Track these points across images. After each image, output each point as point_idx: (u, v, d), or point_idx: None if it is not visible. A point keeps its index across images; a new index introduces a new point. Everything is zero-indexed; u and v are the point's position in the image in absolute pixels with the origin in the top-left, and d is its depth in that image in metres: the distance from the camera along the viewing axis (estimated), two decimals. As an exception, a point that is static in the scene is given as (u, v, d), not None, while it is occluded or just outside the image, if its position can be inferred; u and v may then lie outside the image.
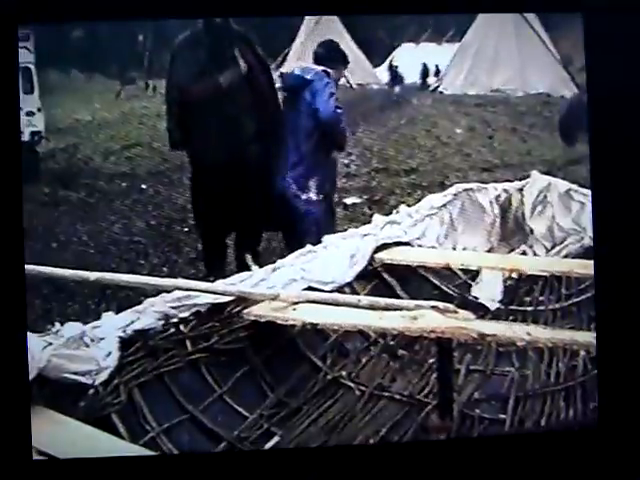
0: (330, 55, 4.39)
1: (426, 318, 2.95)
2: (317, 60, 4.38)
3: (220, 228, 4.32)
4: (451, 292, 3.93)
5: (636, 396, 2.60)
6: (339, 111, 4.25)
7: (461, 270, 3.93)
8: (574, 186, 4.24)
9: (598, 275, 2.72)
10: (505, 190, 4.43)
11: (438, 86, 6.85)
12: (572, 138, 3.66)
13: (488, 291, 3.86)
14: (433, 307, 3.04)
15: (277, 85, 4.37)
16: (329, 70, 4.28)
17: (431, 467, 2.64)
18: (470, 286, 3.93)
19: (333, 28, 6.03)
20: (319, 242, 3.80)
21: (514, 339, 2.85)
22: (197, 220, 4.40)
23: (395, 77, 6.87)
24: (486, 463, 2.63)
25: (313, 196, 4.30)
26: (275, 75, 4.45)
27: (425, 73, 6.92)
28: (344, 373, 3.29)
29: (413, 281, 3.89)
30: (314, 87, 4.24)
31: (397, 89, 6.84)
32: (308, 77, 4.25)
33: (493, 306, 3.79)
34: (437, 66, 6.97)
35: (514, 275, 3.89)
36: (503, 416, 3.02)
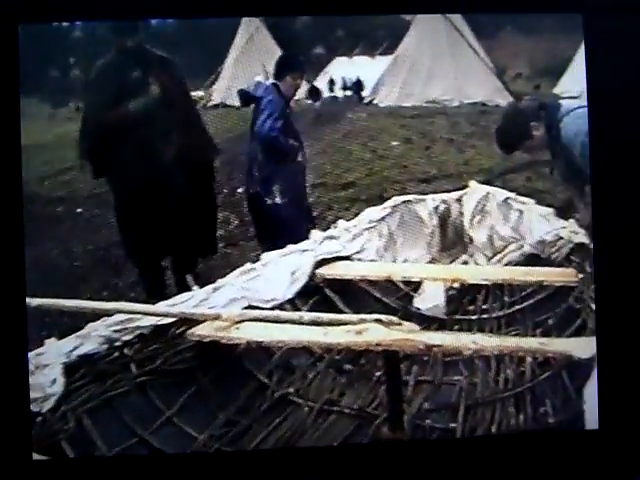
0: (285, 64, 4.45)
1: (371, 332, 2.94)
2: (276, 70, 4.44)
3: (152, 253, 4.24)
4: (394, 305, 3.90)
5: (636, 396, 2.62)
6: (273, 134, 4.29)
7: (403, 282, 3.93)
8: (512, 195, 4.28)
9: (597, 275, 2.72)
10: (444, 201, 4.44)
11: (373, 99, 6.83)
12: (510, 147, 3.68)
13: (431, 302, 3.85)
14: (377, 320, 3.02)
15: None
16: (279, 83, 4.36)
17: (431, 466, 2.67)
18: (412, 298, 3.92)
19: (266, 44, 6.00)
20: (293, 242, 3.87)
21: (461, 348, 2.87)
22: (127, 247, 4.30)
23: (332, 91, 6.85)
24: (485, 463, 2.66)
25: (278, 200, 4.38)
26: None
27: (359, 87, 6.90)
28: (292, 390, 3.26)
29: (355, 295, 3.86)
30: (259, 105, 4.35)
31: (329, 103, 6.82)
32: (257, 94, 4.37)
33: (437, 316, 3.79)
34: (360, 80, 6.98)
35: (456, 285, 3.89)
36: (454, 425, 3.02)
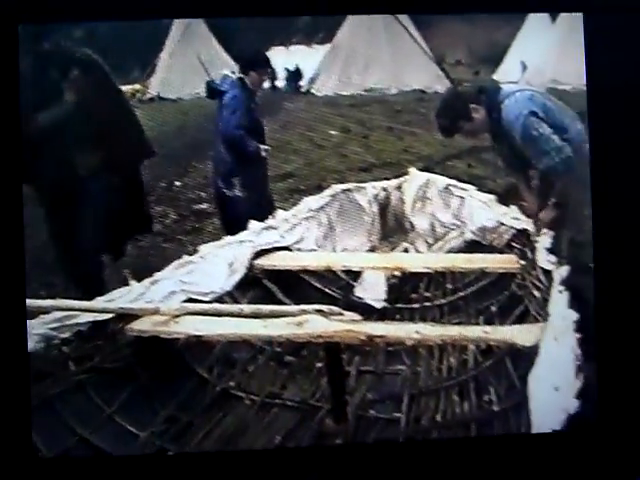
0: (251, 59, 4.45)
1: (312, 323, 2.89)
2: (241, 65, 4.47)
3: (85, 251, 4.07)
4: (334, 294, 3.87)
5: (635, 393, 2.62)
6: (237, 133, 4.37)
7: (343, 272, 3.89)
8: (453, 181, 4.27)
9: (597, 271, 2.70)
10: (384, 189, 4.43)
11: (310, 88, 6.77)
12: (449, 130, 3.65)
13: (372, 291, 3.82)
14: (317, 311, 2.97)
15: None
16: (245, 77, 4.37)
17: (431, 467, 2.63)
18: (353, 287, 3.88)
19: (202, 35, 5.92)
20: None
21: (403, 339, 2.82)
22: (59, 249, 4.10)
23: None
24: (485, 463, 2.61)
25: (238, 192, 4.42)
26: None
27: (297, 76, 6.82)
28: (233, 383, 3.20)
29: (295, 286, 3.82)
30: (223, 99, 4.40)
31: (267, 94, 6.74)
32: (222, 88, 4.40)
33: (379, 305, 3.75)
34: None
35: (397, 273, 3.85)
36: (398, 415, 3.00)
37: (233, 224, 4.28)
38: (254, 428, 2.94)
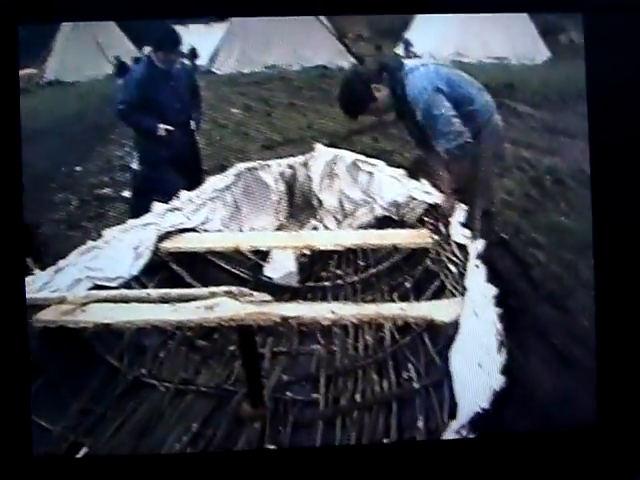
0: (159, 38, 4.32)
1: (223, 306, 2.79)
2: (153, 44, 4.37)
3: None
4: (244, 275, 3.80)
5: (635, 394, 2.59)
6: (120, 107, 4.30)
7: (251, 252, 3.83)
8: (361, 157, 4.22)
9: (598, 272, 2.65)
10: (290, 166, 4.37)
11: (210, 67, 6.65)
12: (354, 112, 3.58)
13: (282, 270, 3.79)
14: (227, 292, 2.87)
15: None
16: (153, 56, 4.29)
17: (432, 466, 2.57)
18: (262, 267, 3.83)
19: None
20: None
21: (318, 319, 2.76)
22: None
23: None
24: (485, 463, 2.54)
25: (135, 166, 4.45)
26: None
27: (194, 55, 6.69)
28: (144, 371, 3.08)
29: (203, 268, 3.73)
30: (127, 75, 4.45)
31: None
32: (128, 66, 4.58)
33: (289, 284, 3.74)
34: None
35: (307, 252, 3.77)
36: (316, 396, 2.95)
37: (135, 200, 4.37)
38: (169, 416, 2.85)
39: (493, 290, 2.48)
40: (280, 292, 3.62)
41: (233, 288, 2.91)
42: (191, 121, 4.46)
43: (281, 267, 3.80)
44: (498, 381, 2.05)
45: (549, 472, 2.52)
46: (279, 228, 4.23)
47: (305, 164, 4.37)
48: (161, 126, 4.29)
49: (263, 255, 3.86)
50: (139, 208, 3.87)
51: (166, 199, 3.86)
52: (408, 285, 3.55)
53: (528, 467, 2.53)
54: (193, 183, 4.18)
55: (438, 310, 2.74)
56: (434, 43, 5.87)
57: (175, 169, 4.36)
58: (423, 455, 2.57)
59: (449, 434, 2.03)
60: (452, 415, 2.24)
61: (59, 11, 2.69)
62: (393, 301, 3.41)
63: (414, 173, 3.90)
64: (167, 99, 4.34)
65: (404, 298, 3.41)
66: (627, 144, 2.61)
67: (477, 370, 2.19)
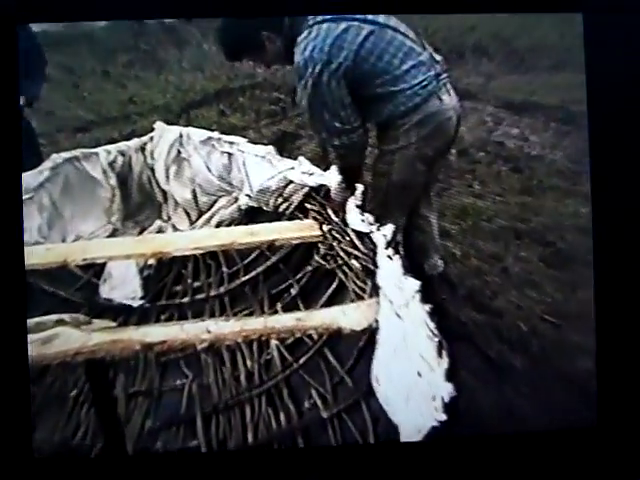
0: None
1: (62, 338, 2.74)
2: None
3: None
4: (74, 299, 3.77)
5: (636, 395, 2.85)
6: None
7: (80, 267, 3.74)
8: (215, 134, 4.18)
9: (597, 273, 2.89)
10: (122, 153, 4.27)
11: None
12: (235, 53, 3.44)
13: (122, 288, 3.77)
14: (59, 322, 2.84)
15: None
16: None
17: (432, 467, 2.74)
18: (97, 286, 3.80)
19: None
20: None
21: (192, 341, 2.73)
22: None
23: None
24: (485, 463, 2.77)
25: None
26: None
27: None
28: None
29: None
30: None
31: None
32: None
33: (135, 304, 3.73)
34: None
35: (152, 261, 3.81)
36: (195, 442, 2.99)
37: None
38: None
39: (415, 284, 2.47)
40: (125, 315, 3.62)
41: (65, 315, 2.88)
42: None
43: (121, 284, 3.78)
44: (446, 389, 2.11)
45: (549, 472, 2.77)
46: (113, 234, 4.15)
47: (142, 148, 4.31)
48: None
49: (95, 270, 3.81)
50: None
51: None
52: (294, 292, 3.59)
53: (528, 467, 2.77)
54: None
55: (345, 316, 2.70)
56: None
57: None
58: (422, 455, 2.71)
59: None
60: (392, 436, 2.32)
61: (59, 11, 2.89)
62: (276, 313, 3.43)
63: (284, 149, 3.92)
64: None
65: (290, 309, 3.41)
66: (627, 144, 2.90)
67: (416, 380, 2.25)
